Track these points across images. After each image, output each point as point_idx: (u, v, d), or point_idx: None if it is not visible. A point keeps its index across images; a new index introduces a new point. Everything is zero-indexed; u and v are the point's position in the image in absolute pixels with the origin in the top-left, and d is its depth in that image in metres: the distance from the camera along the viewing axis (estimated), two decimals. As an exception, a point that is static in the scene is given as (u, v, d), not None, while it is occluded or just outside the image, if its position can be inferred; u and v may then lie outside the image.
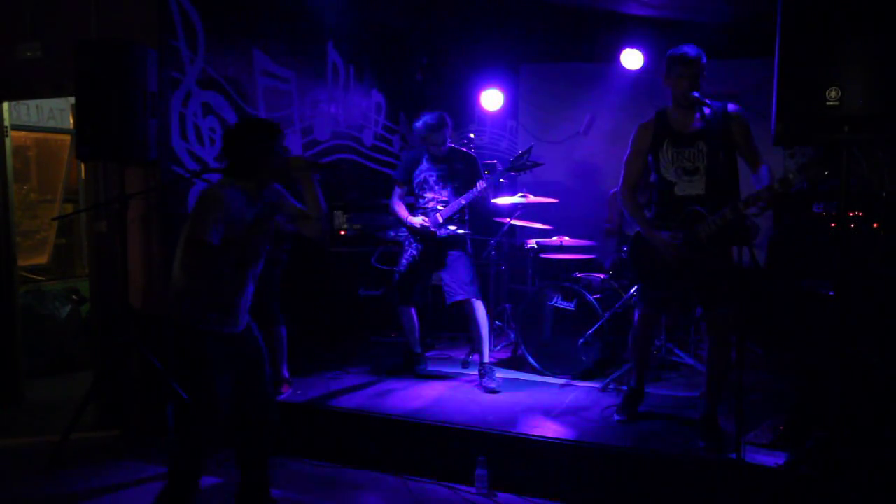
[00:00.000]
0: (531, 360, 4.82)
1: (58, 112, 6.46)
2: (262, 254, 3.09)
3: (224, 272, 2.92)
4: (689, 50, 3.40)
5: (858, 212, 4.62)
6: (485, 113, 7.00)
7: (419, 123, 4.52)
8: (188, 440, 3.02)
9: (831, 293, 3.27)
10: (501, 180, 4.65)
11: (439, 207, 4.55)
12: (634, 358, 3.93)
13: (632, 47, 5.96)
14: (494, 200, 4.86)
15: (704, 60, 3.41)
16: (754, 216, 3.32)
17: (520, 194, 5.18)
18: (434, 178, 4.58)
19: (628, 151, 3.64)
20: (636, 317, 3.82)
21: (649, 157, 3.58)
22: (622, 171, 3.66)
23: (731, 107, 3.41)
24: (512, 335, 5.41)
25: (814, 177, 3.02)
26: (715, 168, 3.38)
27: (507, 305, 5.76)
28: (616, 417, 3.88)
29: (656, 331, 4.72)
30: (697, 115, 3.43)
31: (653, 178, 3.64)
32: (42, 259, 6.55)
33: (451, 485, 3.63)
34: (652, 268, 3.60)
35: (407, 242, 4.68)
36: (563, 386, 4.56)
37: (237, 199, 2.94)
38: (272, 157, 3.00)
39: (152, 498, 3.52)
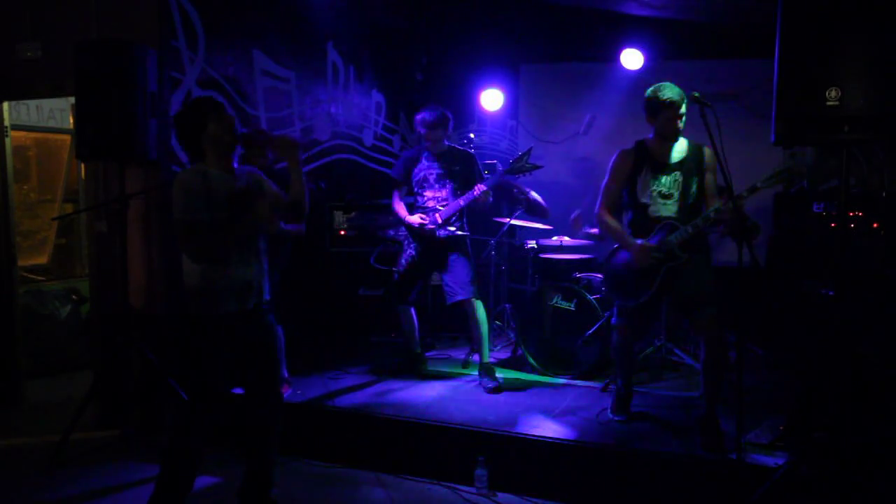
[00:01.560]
0: (531, 360, 4.82)
1: (58, 112, 6.46)
2: (252, 235, 3.04)
3: (213, 253, 2.91)
4: (674, 95, 3.58)
5: (858, 212, 4.62)
6: (485, 113, 7.00)
7: (419, 117, 4.53)
8: (182, 434, 2.99)
9: (831, 293, 3.27)
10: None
11: (438, 207, 4.55)
12: (617, 364, 4.01)
13: (632, 47, 5.96)
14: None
15: (686, 99, 3.59)
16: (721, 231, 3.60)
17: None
18: (434, 177, 4.58)
19: (608, 176, 3.84)
20: (613, 323, 3.93)
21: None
22: (600, 195, 3.85)
23: (706, 149, 3.68)
24: (512, 335, 5.41)
25: (786, 181, 3.43)
26: (687, 195, 3.68)
27: (507, 305, 5.76)
28: (615, 418, 3.89)
29: (651, 333, 4.78)
30: (676, 148, 3.71)
31: (625, 199, 3.83)
32: (42, 259, 6.55)
33: (451, 485, 3.63)
34: (625, 279, 3.76)
35: (406, 242, 4.68)
36: (563, 386, 4.56)
37: (206, 177, 2.91)
38: (204, 132, 2.95)
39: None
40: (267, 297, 3.12)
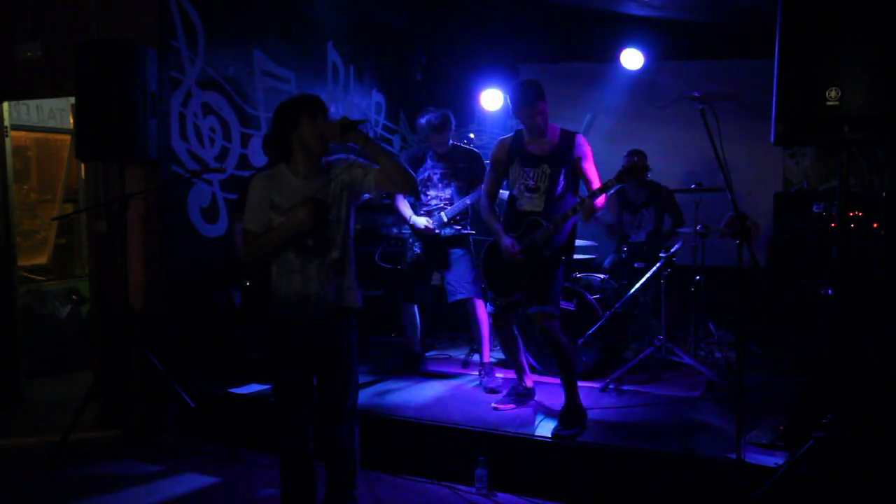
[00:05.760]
0: (531, 360, 4.80)
1: (58, 112, 6.47)
2: (333, 241, 2.92)
3: (281, 259, 2.90)
4: (514, 99, 3.67)
5: (858, 212, 4.62)
6: (485, 113, 6.99)
7: (423, 120, 4.52)
8: (285, 439, 3.01)
9: (831, 293, 3.27)
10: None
11: (442, 206, 4.55)
12: (506, 357, 4.28)
13: (632, 47, 5.96)
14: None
15: (537, 96, 3.66)
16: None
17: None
18: (438, 177, 4.58)
19: (489, 164, 3.98)
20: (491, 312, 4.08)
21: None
22: (484, 181, 4.02)
23: (579, 136, 3.79)
24: (512, 335, 5.39)
25: (627, 180, 3.53)
26: (553, 189, 3.75)
27: (507, 305, 5.75)
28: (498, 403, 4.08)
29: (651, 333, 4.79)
30: (547, 140, 3.77)
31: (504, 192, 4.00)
32: (42, 259, 6.55)
33: (451, 485, 3.63)
34: (498, 273, 3.92)
35: (411, 240, 4.69)
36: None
37: (277, 183, 2.88)
38: (300, 128, 2.88)
39: (151, 498, 3.53)
40: (355, 303, 3.04)
